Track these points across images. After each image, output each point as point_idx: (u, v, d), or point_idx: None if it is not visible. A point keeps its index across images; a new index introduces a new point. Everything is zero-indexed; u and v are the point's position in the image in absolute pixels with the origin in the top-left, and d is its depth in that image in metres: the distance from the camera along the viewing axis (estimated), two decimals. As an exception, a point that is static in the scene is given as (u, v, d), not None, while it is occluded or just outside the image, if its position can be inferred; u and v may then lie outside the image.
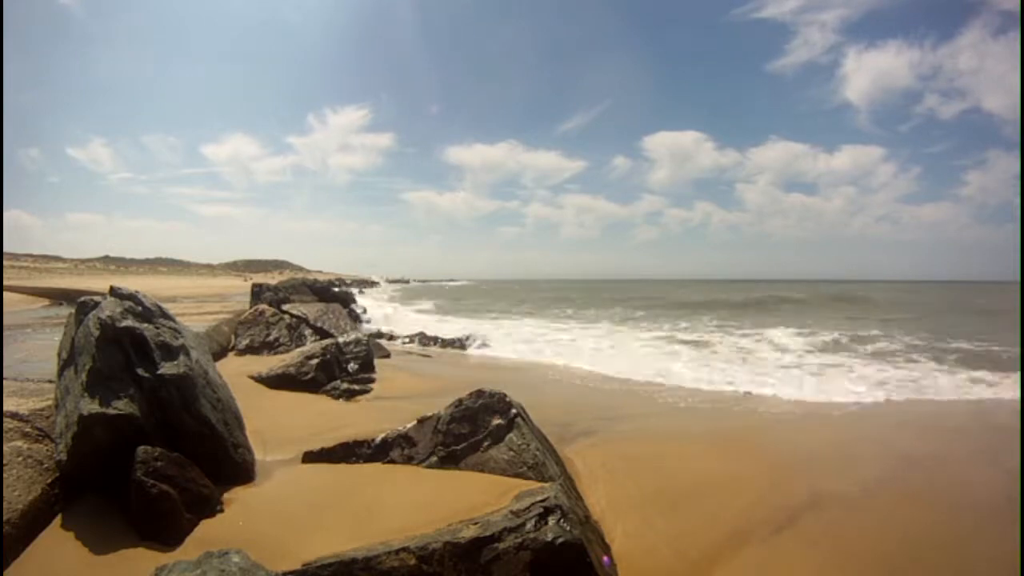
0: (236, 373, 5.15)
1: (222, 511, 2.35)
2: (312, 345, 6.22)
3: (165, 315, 2.90)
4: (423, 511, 2.32)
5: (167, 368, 2.56)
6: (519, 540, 2.01)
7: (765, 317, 17.34)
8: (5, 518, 2.01)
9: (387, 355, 8.29)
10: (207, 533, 2.18)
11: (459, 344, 10.50)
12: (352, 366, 6.00)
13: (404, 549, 1.96)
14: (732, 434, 4.53)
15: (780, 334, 11.50)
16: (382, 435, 3.03)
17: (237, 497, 2.48)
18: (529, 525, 2.06)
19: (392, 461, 2.93)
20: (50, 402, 2.70)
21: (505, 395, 3.00)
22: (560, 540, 2.02)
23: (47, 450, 2.43)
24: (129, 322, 2.59)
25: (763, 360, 8.44)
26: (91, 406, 2.29)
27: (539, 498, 2.19)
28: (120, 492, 2.25)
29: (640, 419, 4.89)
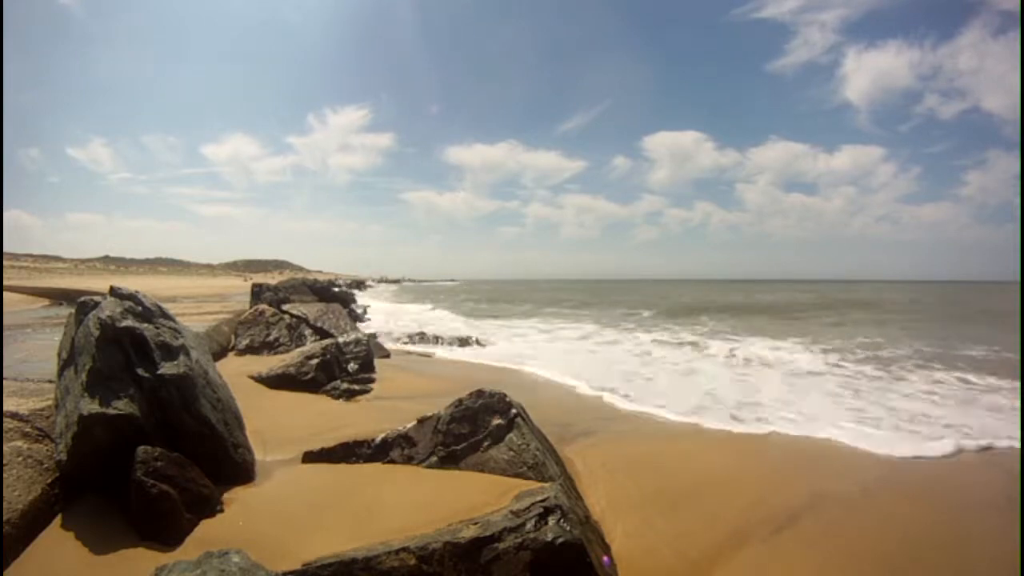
0: (236, 373, 5.16)
1: (222, 511, 2.35)
2: (312, 345, 6.22)
3: (165, 315, 2.90)
4: (423, 511, 2.32)
5: (167, 368, 2.56)
6: (519, 540, 2.01)
7: (786, 325, 15.36)
8: (5, 518, 2.01)
9: (387, 355, 8.29)
10: (207, 533, 2.18)
11: (459, 344, 10.50)
12: (352, 366, 6.00)
13: (404, 549, 1.96)
14: (738, 438, 4.52)
15: (798, 351, 9.46)
16: (382, 435, 3.03)
17: (237, 497, 2.48)
18: (529, 525, 2.06)
19: (392, 461, 2.93)
20: (50, 402, 2.70)
21: (505, 395, 3.00)
22: (560, 540, 2.02)
23: (47, 450, 2.43)
24: (129, 322, 2.59)
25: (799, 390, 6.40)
26: (91, 406, 2.29)
27: (539, 498, 2.19)
28: (120, 492, 2.25)
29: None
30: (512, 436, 2.83)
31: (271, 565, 1.82)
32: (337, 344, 6.04)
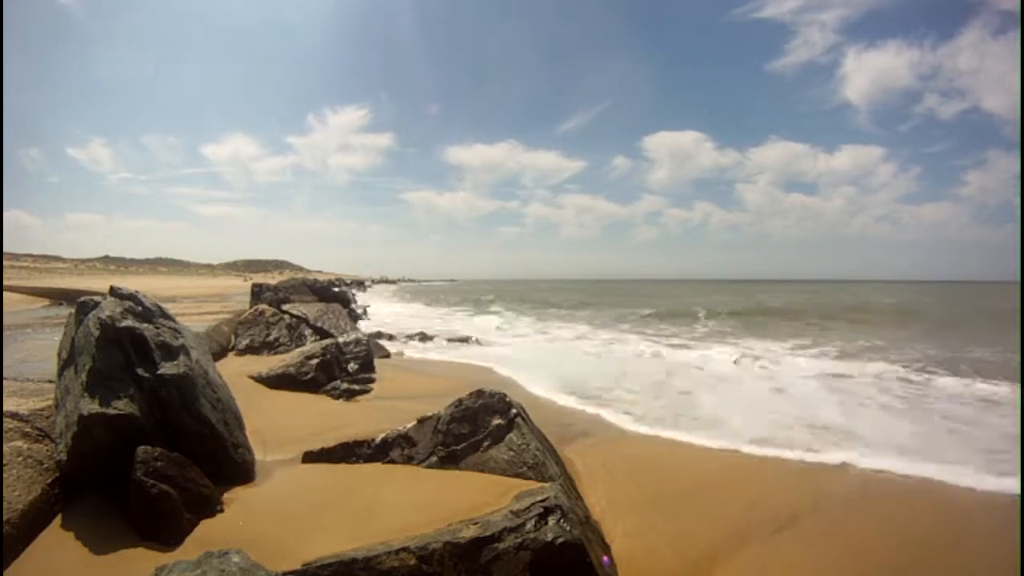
0: (236, 373, 5.15)
1: (222, 511, 2.35)
2: (312, 345, 6.22)
3: (165, 315, 2.90)
4: (423, 511, 2.32)
5: (167, 368, 2.56)
6: (519, 540, 2.01)
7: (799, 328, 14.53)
8: (5, 518, 2.01)
9: (387, 355, 8.30)
10: (207, 533, 2.18)
11: (459, 344, 10.50)
12: (352, 366, 6.00)
13: (404, 549, 1.95)
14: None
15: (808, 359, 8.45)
16: (382, 435, 3.03)
17: (237, 497, 2.48)
18: (529, 525, 2.06)
19: (392, 461, 2.93)
20: (50, 402, 2.70)
21: (505, 395, 3.00)
22: (560, 540, 2.02)
23: (47, 450, 2.42)
24: (129, 322, 2.59)
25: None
26: (91, 406, 2.29)
27: (539, 498, 2.19)
28: (120, 492, 2.25)
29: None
30: (512, 436, 2.82)
31: (271, 565, 1.82)
32: (337, 344, 6.04)
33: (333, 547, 2.00)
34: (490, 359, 8.48)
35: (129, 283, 4.06)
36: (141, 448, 2.25)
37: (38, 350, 5.61)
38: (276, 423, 3.83)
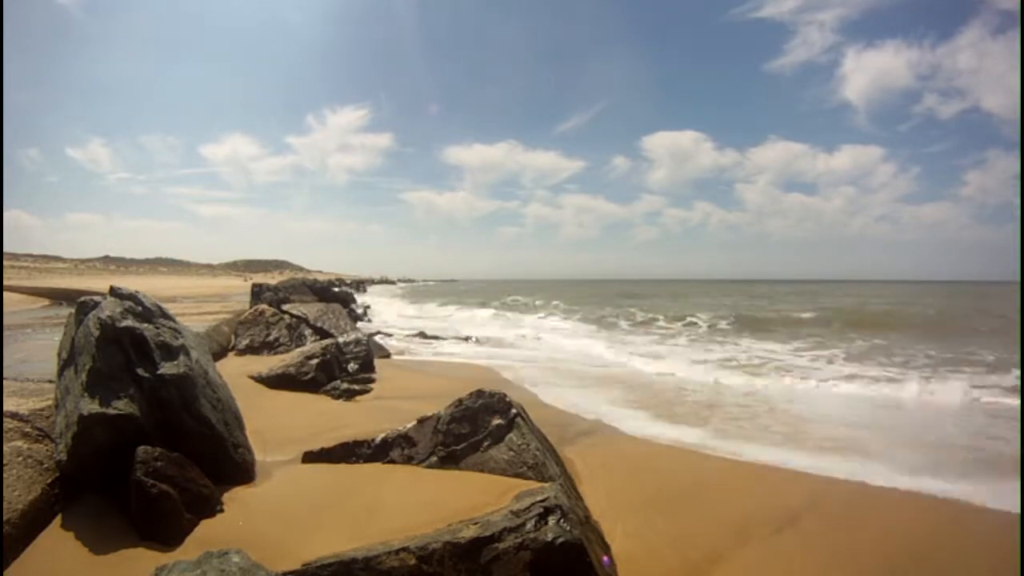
0: (236, 373, 5.16)
1: (222, 511, 2.35)
2: (312, 345, 6.22)
3: (165, 315, 2.90)
4: (423, 511, 2.32)
5: (167, 368, 2.56)
6: (519, 540, 2.01)
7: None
8: (5, 518, 2.01)
9: (387, 355, 8.30)
10: (207, 533, 2.18)
11: (459, 343, 10.50)
12: (352, 366, 6.00)
13: (404, 549, 1.95)
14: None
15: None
16: (382, 435, 3.02)
17: (237, 497, 2.48)
18: (529, 525, 2.06)
19: (392, 461, 2.93)
20: (50, 402, 2.70)
21: (505, 395, 3.00)
22: (560, 540, 2.02)
23: (47, 450, 2.42)
24: (129, 322, 2.59)
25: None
26: (91, 406, 2.29)
27: (539, 498, 2.18)
28: (120, 492, 2.25)
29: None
30: (512, 436, 2.82)
31: (271, 565, 1.82)
32: (337, 344, 6.04)
33: (333, 547, 2.00)
34: (490, 358, 8.48)
35: (129, 283, 4.06)
36: (141, 448, 2.25)
37: (38, 350, 5.61)
38: (276, 423, 3.83)
